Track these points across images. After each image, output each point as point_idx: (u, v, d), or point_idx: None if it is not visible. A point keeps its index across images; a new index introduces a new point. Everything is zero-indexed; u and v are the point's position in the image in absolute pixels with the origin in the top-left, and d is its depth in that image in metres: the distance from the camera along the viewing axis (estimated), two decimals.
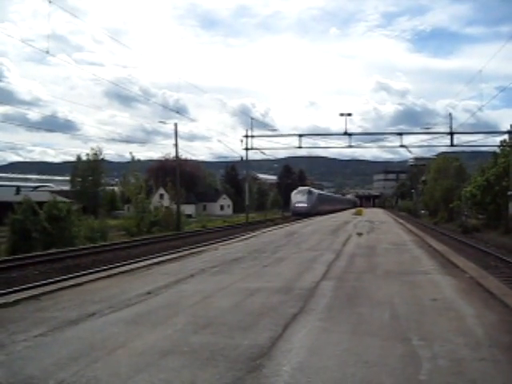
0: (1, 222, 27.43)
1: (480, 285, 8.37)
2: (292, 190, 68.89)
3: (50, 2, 14.64)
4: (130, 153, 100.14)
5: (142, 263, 11.88)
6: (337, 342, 5.02)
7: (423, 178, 71.97)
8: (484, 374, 4.11)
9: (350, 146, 33.20)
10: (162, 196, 52.11)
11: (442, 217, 51.87)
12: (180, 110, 69.87)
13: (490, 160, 38.25)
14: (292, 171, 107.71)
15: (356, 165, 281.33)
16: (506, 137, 34.51)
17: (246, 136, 35.83)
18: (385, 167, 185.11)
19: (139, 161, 48.95)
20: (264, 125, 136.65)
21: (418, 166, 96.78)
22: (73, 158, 64.42)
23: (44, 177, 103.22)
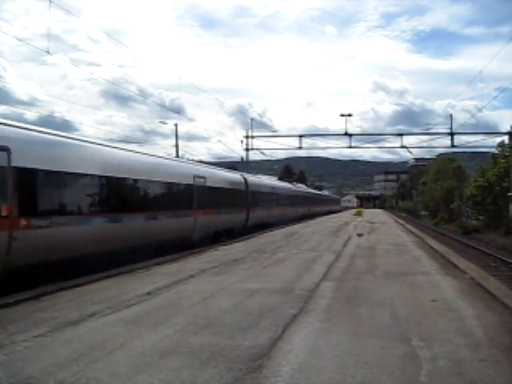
0: None
1: (480, 286, 8.36)
2: None
3: (50, 1, 14.59)
4: None
5: (142, 264, 11.86)
6: (337, 343, 5.02)
7: (423, 179, 71.81)
8: (484, 375, 4.10)
9: (351, 147, 33.25)
10: None
11: (443, 217, 51.88)
12: (178, 110, 69.44)
13: (490, 161, 38.24)
14: (292, 172, 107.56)
15: (356, 165, 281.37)
16: (504, 138, 34.50)
17: (247, 136, 35.88)
18: (385, 168, 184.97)
19: None
20: (263, 125, 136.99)
21: (419, 167, 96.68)
22: None
23: None
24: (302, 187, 51.22)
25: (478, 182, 37.35)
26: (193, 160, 21.25)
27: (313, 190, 62.59)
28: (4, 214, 8.46)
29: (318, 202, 59.16)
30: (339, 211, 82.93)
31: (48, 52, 15.61)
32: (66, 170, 10.46)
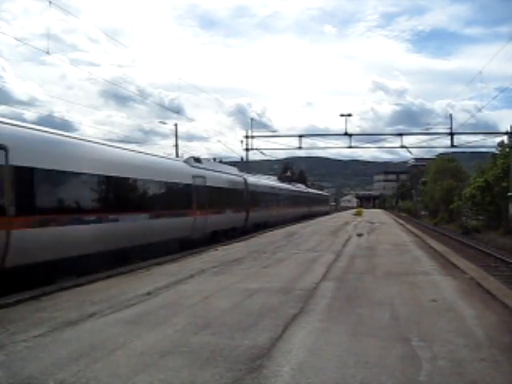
0: None
1: (480, 286, 8.36)
2: None
3: (50, 1, 14.58)
4: None
5: (142, 264, 11.86)
6: (337, 343, 5.02)
7: (423, 179, 71.77)
8: (484, 375, 4.10)
9: (351, 147, 33.22)
10: None
11: (442, 217, 51.85)
12: (177, 110, 69.43)
13: (489, 161, 38.24)
14: (293, 172, 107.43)
15: (356, 165, 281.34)
16: (504, 138, 34.49)
17: (247, 136, 35.85)
18: (385, 168, 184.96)
19: None
20: (262, 125, 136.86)
21: (419, 167, 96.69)
22: None
23: None
24: (215, 167, 23.10)
25: (477, 183, 37.37)
26: None
27: (253, 180, 30.08)
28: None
29: (272, 202, 32.56)
30: (327, 213, 63.38)
31: (48, 52, 15.61)
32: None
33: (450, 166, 56.83)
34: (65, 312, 6.61)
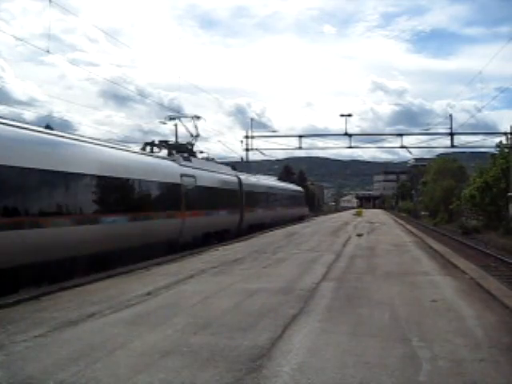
0: None
1: (480, 286, 8.36)
2: None
3: (50, 0, 14.56)
4: None
5: (142, 264, 11.86)
6: (337, 343, 5.02)
7: (423, 179, 71.67)
8: (484, 375, 4.10)
9: (351, 147, 33.18)
10: None
11: (442, 218, 51.82)
12: (177, 110, 69.34)
13: (489, 162, 38.22)
14: (292, 172, 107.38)
15: (356, 165, 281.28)
16: (502, 138, 34.43)
17: (247, 137, 35.79)
18: (385, 168, 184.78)
19: None
20: (262, 125, 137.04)
21: (419, 167, 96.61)
22: None
23: None
24: None
25: (477, 183, 37.37)
26: None
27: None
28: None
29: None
30: (302, 218, 41.86)
31: (48, 51, 15.59)
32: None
33: (452, 167, 56.83)
34: (65, 312, 6.61)
